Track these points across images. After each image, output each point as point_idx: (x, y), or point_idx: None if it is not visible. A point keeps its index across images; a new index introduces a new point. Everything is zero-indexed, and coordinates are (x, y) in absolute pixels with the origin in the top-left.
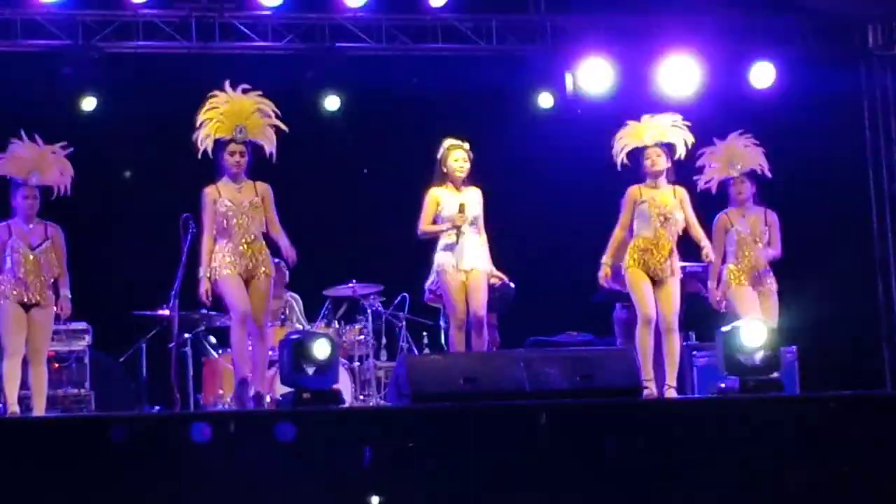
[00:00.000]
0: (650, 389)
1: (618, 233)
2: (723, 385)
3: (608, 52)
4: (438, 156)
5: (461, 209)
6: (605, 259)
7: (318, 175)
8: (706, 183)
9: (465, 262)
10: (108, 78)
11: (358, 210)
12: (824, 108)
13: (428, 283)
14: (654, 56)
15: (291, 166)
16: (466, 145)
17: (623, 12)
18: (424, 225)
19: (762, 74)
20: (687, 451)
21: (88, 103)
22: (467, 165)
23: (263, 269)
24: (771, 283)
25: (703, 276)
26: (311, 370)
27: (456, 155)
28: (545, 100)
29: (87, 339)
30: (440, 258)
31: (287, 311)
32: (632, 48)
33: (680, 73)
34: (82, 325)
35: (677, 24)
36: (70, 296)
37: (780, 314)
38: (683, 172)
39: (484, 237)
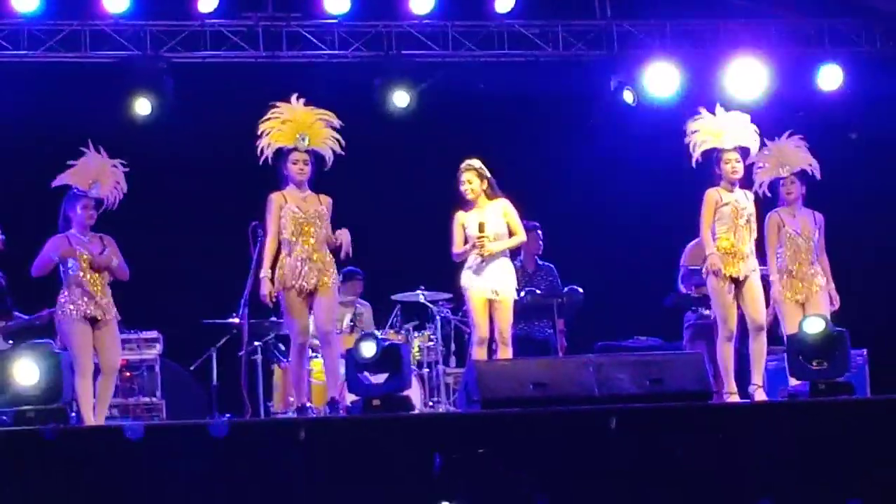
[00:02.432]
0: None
1: (706, 234)
2: (792, 389)
3: (674, 57)
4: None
5: (481, 228)
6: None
7: (386, 182)
8: (760, 185)
9: (490, 283)
10: (176, 88)
11: (426, 217)
12: (893, 110)
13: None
14: (720, 59)
15: (359, 173)
16: (474, 164)
17: (688, 16)
18: (456, 248)
19: (830, 77)
20: (757, 455)
21: (156, 113)
22: (478, 184)
23: (328, 278)
24: (821, 281)
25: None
26: (370, 374)
27: (463, 178)
28: (613, 104)
29: (158, 347)
30: (465, 279)
31: (357, 319)
32: (698, 52)
33: (746, 76)
34: (153, 334)
35: (743, 27)
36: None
37: (850, 317)
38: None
39: (522, 236)
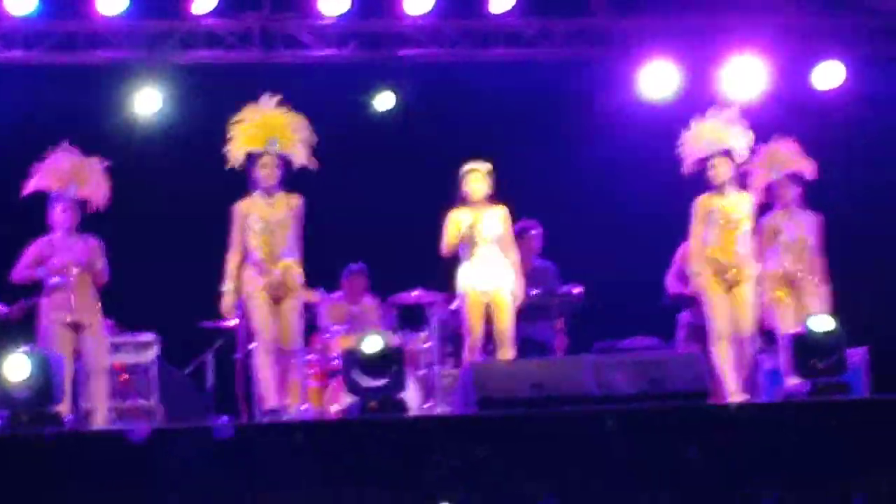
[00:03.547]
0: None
1: (693, 243)
2: (789, 389)
3: (673, 55)
4: (459, 180)
5: (473, 222)
6: (694, 269)
7: (384, 182)
8: (756, 190)
9: (487, 282)
10: (171, 88)
11: (423, 218)
12: (894, 109)
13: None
14: (718, 58)
15: (356, 174)
16: (485, 167)
17: (687, 15)
18: (446, 243)
19: (829, 75)
20: (756, 455)
21: (151, 113)
22: (484, 187)
23: (293, 288)
24: (815, 283)
25: None
26: (368, 374)
27: (472, 178)
28: (609, 103)
29: (155, 350)
30: (462, 281)
31: (365, 317)
32: (696, 50)
33: (745, 74)
34: (149, 337)
35: (742, 25)
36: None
37: (849, 316)
38: None
39: (513, 256)
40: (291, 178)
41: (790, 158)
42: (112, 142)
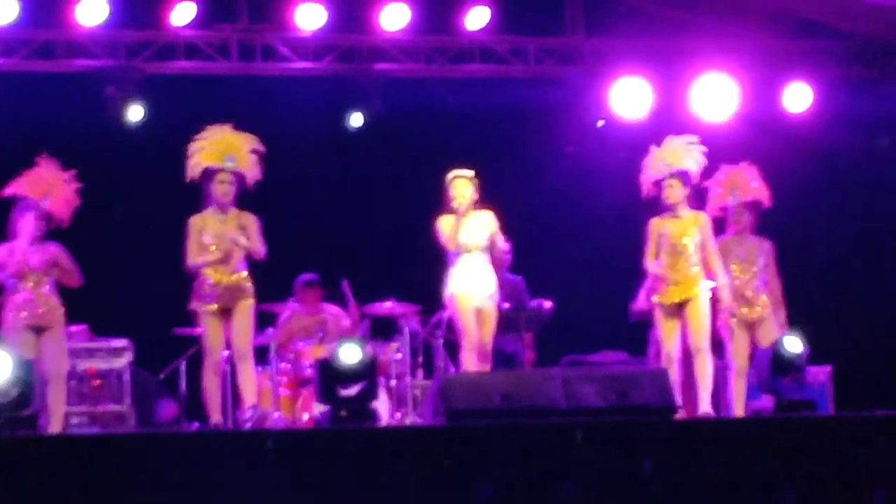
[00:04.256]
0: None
1: (649, 264)
2: (756, 405)
3: (645, 74)
4: (446, 187)
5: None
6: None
7: (358, 194)
8: (712, 209)
9: (476, 288)
10: (150, 99)
11: (396, 230)
12: (861, 131)
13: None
14: (689, 78)
15: (331, 186)
16: (470, 174)
17: (660, 34)
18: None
19: (798, 97)
20: (721, 471)
21: (130, 123)
22: (469, 193)
23: (244, 300)
24: (763, 309)
25: None
26: (346, 385)
27: (456, 184)
28: (581, 121)
29: (128, 355)
30: (452, 285)
31: (323, 327)
32: (667, 70)
33: (715, 94)
34: (123, 343)
35: (712, 47)
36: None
37: (813, 334)
38: None
39: (504, 247)
40: (263, 190)
41: (750, 186)
42: (89, 150)
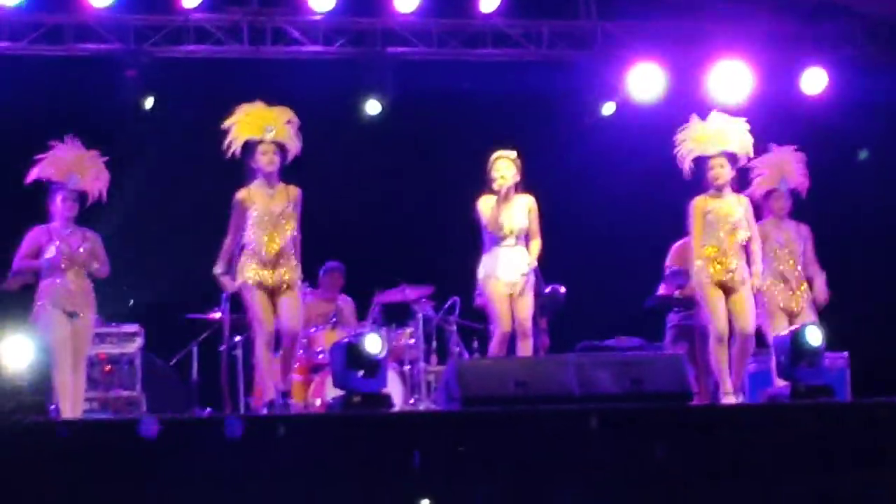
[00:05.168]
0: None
1: (695, 244)
2: (773, 391)
3: (659, 58)
4: (488, 167)
5: (500, 213)
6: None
7: (371, 179)
8: (755, 190)
9: (511, 273)
10: (160, 82)
11: (409, 214)
12: (878, 114)
13: (477, 291)
14: (704, 62)
15: (343, 170)
16: (512, 154)
17: (674, 18)
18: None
19: (814, 80)
20: (736, 457)
21: (140, 107)
22: (510, 174)
23: (293, 278)
24: (806, 290)
25: None
26: (361, 373)
27: (499, 165)
28: (597, 104)
29: (139, 341)
30: (483, 268)
31: (338, 314)
32: (683, 54)
33: (731, 78)
34: (134, 328)
35: (728, 30)
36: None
37: (831, 320)
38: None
39: (536, 245)
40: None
41: (797, 173)
42: (99, 134)
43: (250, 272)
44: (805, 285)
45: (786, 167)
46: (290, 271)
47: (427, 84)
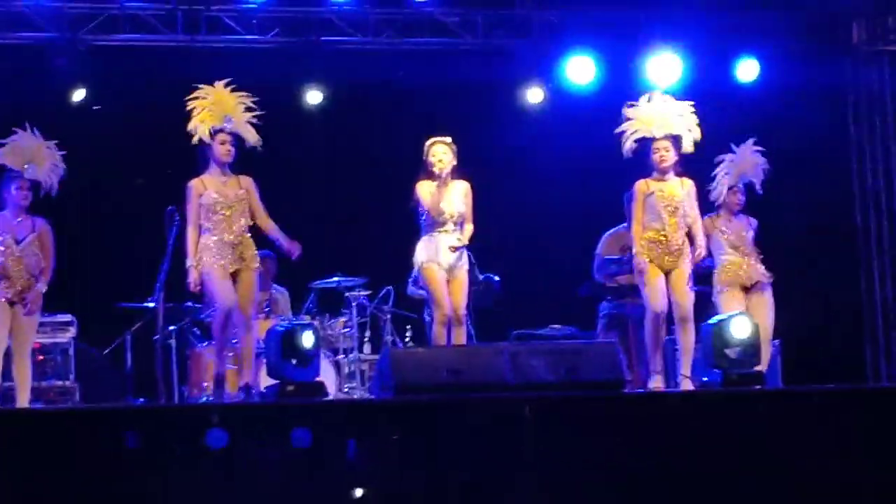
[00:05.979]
0: (658, 382)
1: (635, 227)
2: (705, 378)
3: (594, 47)
4: (423, 153)
5: (437, 198)
6: (636, 251)
7: (304, 168)
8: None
9: (445, 259)
10: (95, 71)
11: (343, 204)
12: (809, 104)
13: (411, 278)
14: (639, 50)
15: (277, 160)
16: (448, 139)
17: (609, 7)
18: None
19: (747, 69)
20: (669, 445)
21: (75, 96)
22: (447, 159)
23: (250, 262)
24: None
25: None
26: (295, 362)
27: (435, 150)
28: (531, 94)
29: (72, 330)
30: (420, 254)
31: (272, 304)
32: (618, 42)
33: (665, 67)
34: (67, 318)
35: (663, 19)
36: (44, 291)
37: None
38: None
39: (469, 229)
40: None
41: (757, 169)
42: (34, 123)
43: (211, 258)
44: (762, 268)
45: (746, 163)
46: (249, 255)
47: (362, 74)
